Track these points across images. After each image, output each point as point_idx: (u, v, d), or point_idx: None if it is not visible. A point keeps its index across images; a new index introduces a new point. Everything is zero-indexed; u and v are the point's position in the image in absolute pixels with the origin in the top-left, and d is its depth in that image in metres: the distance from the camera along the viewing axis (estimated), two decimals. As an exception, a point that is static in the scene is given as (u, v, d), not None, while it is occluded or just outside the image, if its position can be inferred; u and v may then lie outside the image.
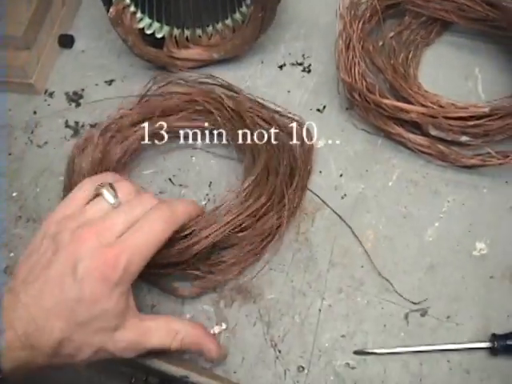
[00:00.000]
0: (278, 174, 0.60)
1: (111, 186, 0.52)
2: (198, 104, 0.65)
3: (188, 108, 0.66)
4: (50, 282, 0.48)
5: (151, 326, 0.51)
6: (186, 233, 0.55)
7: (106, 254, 0.47)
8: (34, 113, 0.74)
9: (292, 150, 0.63)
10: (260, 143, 0.61)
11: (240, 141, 0.62)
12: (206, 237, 0.55)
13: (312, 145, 0.64)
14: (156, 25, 0.70)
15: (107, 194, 0.51)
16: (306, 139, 0.64)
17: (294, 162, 0.62)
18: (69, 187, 0.62)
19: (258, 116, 0.64)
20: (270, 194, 0.59)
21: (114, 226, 0.49)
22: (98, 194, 0.52)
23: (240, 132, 0.62)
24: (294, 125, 0.65)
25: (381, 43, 0.68)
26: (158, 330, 0.51)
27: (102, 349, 0.49)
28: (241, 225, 0.57)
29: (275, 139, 0.62)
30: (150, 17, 0.70)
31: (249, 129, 0.62)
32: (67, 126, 0.72)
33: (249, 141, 0.62)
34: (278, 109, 0.66)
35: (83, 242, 0.48)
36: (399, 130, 0.62)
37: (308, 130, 0.65)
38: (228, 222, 0.56)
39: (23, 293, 0.47)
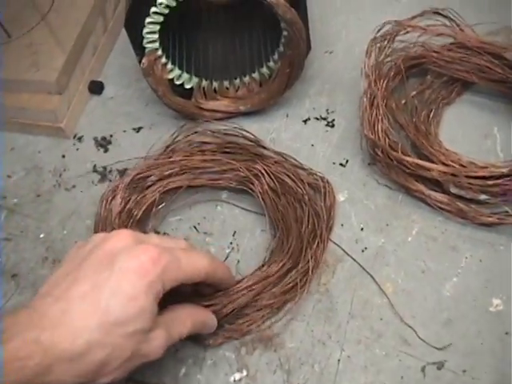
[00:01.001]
0: (302, 231, 0.65)
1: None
2: (226, 159, 0.71)
3: (216, 162, 0.71)
4: (80, 279, 0.46)
5: (169, 319, 0.51)
6: (212, 302, 0.59)
7: (148, 248, 0.47)
8: (63, 156, 0.79)
9: (315, 204, 0.67)
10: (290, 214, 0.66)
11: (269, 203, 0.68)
12: (233, 301, 0.60)
13: (334, 199, 0.68)
14: (185, 76, 0.75)
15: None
16: (328, 194, 0.68)
17: (316, 217, 0.66)
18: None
19: (285, 173, 0.69)
20: (296, 256, 0.64)
21: (149, 238, 0.51)
22: None
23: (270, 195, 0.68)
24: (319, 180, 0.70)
25: (403, 101, 0.73)
26: (175, 321, 0.51)
27: (134, 354, 0.47)
28: (266, 287, 0.62)
29: (300, 195, 0.67)
30: (180, 68, 0.75)
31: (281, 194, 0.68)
32: (95, 170, 0.77)
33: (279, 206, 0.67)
34: (302, 163, 0.71)
35: (120, 239, 0.49)
36: (420, 186, 0.66)
37: (330, 185, 0.69)
38: (254, 289, 0.61)
39: (43, 300, 0.45)
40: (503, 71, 0.71)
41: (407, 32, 0.73)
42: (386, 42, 0.72)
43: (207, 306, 0.58)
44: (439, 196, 0.66)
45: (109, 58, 0.88)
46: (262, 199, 0.68)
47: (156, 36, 0.70)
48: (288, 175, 0.69)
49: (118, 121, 0.81)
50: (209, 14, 0.84)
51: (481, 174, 0.62)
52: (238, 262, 0.67)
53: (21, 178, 0.78)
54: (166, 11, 0.67)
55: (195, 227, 0.70)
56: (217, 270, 0.55)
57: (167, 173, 0.71)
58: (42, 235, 0.73)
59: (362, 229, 0.67)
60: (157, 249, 0.48)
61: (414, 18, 0.74)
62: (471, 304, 0.62)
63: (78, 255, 0.50)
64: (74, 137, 0.81)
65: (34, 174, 0.78)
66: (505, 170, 0.62)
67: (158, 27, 0.68)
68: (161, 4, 0.66)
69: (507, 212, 0.64)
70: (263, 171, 0.69)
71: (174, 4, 0.66)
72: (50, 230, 0.73)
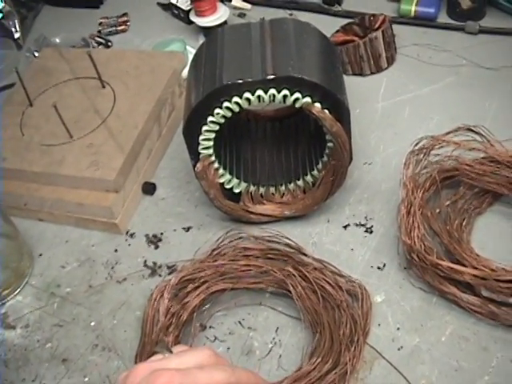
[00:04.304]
0: (340, 335, 0.73)
1: (167, 347, 0.61)
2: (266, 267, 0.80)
3: (257, 267, 0.80)
4: None
5: None
6: None
7: (161, 374, 0.54)
8: (116, 251, 0.89)
9: (352, 311, 0.75)
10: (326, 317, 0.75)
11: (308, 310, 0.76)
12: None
13: (370, 306, 0.77)
14: (235, 181, 0.86)
15: (162, 349, 0.60)
16: (365, 301, 0.77)
17: (353, 322, 0.74)
18: (145, 334, 0.76)
19: (325, 280, 0.78)
20: (335, 359, 0.71)
21: (167, 363, 0.57)
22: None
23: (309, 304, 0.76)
24: (357, 287, 0.78)
25: (438, 210, 0.82)
26: None
27: None
28: None
29: (339, 301, 0.76)
30: (230, 173, 0.86)
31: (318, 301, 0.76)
32: (145, 265, 0.86)
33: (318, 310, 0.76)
34: (342, 267, 0.80)
35: (137, 374, 0.56)
36: (453, 289, 0.74)
37: (367, 292, 0.78)
38: None
39: None
40: (531, 184, 0.80)
41: (442, 146, 0.83)
42: (422, 155, 0.83)
43: None
44: (471, 298, 0.74)
45: (161, 162, 1.01)
46: (300, 303, 0.76)
47: (211, 143, 0.80)
48: (328, 281, 0.78)
49: (168, 220, 0.92)
50: (257, 124, 0.96)
51: (510, 277, 0.70)
52: (280, 356, 0.75)
53: (74, 269, 0.88)
54: (222, 121, 0.78)
55: (240, 322, 0.79)
56: (240, 380, 0.59)
57: (212, 276, 0.80)
58: (92, 323, 0.82)
59: (398, 328, 0.75)
60: (169, 373, 0.55)
61: (448, 133, 0.85)
62: (503, 402, 0.69)
63: None
64: (127, 233, 0.91)
65: (87, 265, 0.88)
66: (533, 275, 0.70)
67: (213, 135, 0.80)
68: (218, 114, 0.77)
69: (536, 315, 0.71)
70: (297, 276, 0.78)
71: (229, 114, 0.77)
72: (101, 319, 0.82)
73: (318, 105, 0.76)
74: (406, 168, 0.81)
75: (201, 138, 0.80)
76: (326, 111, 0.76)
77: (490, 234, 0.82)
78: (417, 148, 0.83)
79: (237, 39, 0.82)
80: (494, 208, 0.85)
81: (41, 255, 0.91)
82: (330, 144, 0.79)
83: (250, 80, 0.74)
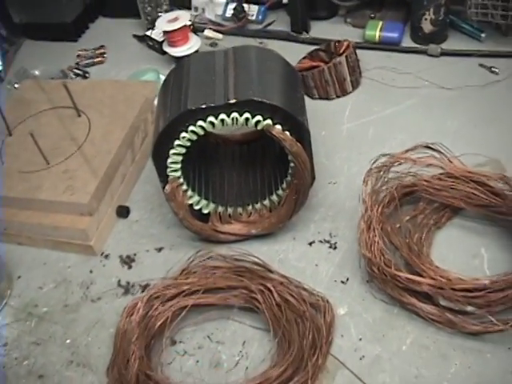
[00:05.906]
0: (304, 344, 0.75)
1: None
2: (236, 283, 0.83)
3: (226, 284, 0.83)
4: None
5: None
6: None
7: None
8: (91, 272, 0.92)
9: (316, 321, 0.78)
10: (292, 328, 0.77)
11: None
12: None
13: (333, 317, 0.79)
14: (203, 202, 0.89)
15: None
16: (327, 312, 0.79)
17: (316, 332, 0.77)
18: (117, 347, 0.79)
19: (289, 294, 0.80)
20: (297, 367, 0.74)
21: None
22: None
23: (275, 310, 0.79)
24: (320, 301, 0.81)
25: (398, 225, 0.85)
26: None
27: None
28: None
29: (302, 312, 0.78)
30: (199, 195, 0.89)
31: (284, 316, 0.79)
32: (119, 285, 0.89)
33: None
34: (307, 282, 0.83)
35: None
36: (413, 300, 0.77)
37: (330, 304, 0.80)
38: None
39: None
40: (487, 197, 0.83)
41: (400, 163, 0.86)
42: (381, 173, 0.86)
43: None
44: (430, 308, 0.76)
45: (135, 186, 1.04)
46: (266, 316, 0.79)
47: (179, 166, 0.83)
48: (292, 295, 0.80)
49: (141, 241, 0.95)
50: (226, 148, 0.99)
51: (465, 286, 0.73)
52: (247, 368, 0.77)
53: (51, 290, 0.91)
54: (188, 144, 0.81)
55: (209, 337, 0.81)
56: None
57: (182, 293, 0.82)
58: (68, 341, 0.84)
59: (360, 339, 0.78)
60: None
61: (407, 151, 0.88)
62: (461, 408, 0.71)
63: None
64: (102, 254, 0.94)
65: (63, 286, 0.91)
66: (487, 282, 0.73)
67: (180, 158, 0.83)
68: (184, 137, 0.80)
69: (492, 321, 0.73)
70: (268, 291, 0.80)
71: (195, 138, 0.80)
72: (76, 337, 0.84)
73: (278, 126, 0.79)
74: (364, 185, 0.84)
75: (169, 160, 0.83)
76: (287, 133, 0.79)
77: (450, 247, 0.85)
78: (376, 166, 0.86)
79: (201, 66, 0.86)
80: (454, 222, 0.88)
81: (19, 277, 0.94)
82: (292, 164, 0.82)
83: (212, 105, 0.78)
